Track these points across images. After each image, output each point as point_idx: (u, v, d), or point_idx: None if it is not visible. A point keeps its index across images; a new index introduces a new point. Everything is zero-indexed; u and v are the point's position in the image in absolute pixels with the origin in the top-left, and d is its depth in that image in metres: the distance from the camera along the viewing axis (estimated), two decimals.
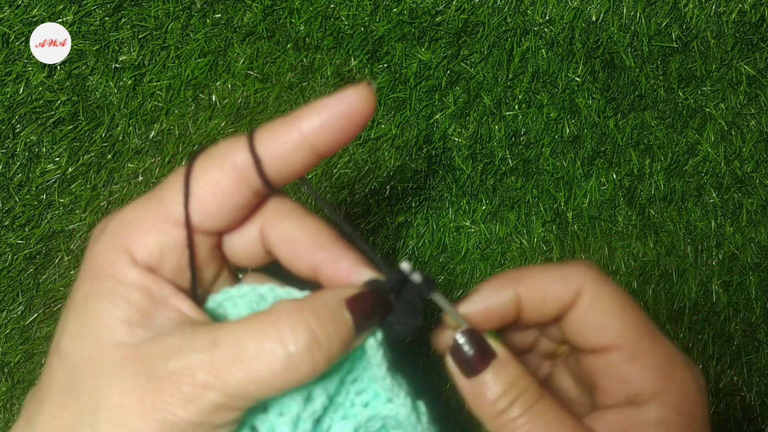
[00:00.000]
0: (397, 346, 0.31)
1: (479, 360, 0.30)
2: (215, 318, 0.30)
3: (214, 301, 0.31)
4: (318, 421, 0.30)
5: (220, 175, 0.28)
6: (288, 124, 0.28)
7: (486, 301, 0.31)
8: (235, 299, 0.30)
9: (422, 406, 0.31)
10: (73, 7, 0.56)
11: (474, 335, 0.30)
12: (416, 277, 0.29)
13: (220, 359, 0.25)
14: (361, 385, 0.31)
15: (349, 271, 0.30)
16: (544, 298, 0.31)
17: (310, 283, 0.31)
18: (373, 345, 0.29)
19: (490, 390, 0.30)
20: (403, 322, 0.29)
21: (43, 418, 0.26)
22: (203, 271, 0.30)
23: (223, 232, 0.31)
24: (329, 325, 0.26)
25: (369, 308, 0.28)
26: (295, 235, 0.30)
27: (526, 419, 0.29)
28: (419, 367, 0.57)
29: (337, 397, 0.30)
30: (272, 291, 0.30)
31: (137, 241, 0.27)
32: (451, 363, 0.31)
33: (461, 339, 0.31)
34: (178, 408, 0.24)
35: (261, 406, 0.28)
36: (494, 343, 0.31)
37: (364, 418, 0.30)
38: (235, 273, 0.34)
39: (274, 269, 0.33)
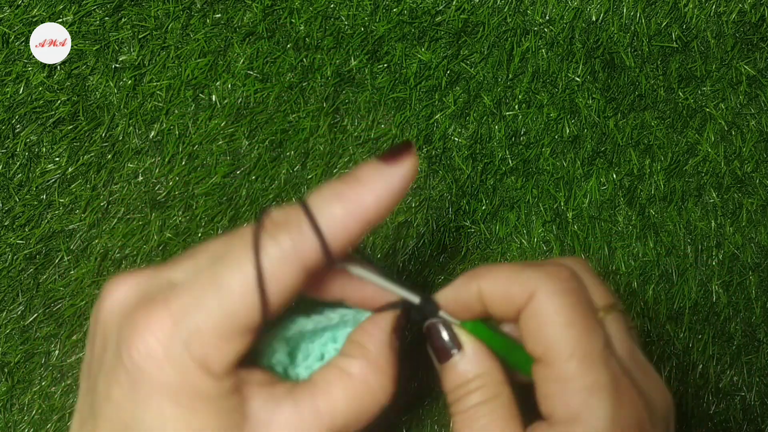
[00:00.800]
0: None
1: (446, 349, 0.32)
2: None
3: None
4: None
5: (286, 271, 0.27)
6: (349, 207, 0.28)
7: (454, 293, 0.32)
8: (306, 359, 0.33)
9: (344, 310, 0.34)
10: (73, 7, 0.56)
11: (445, 326, 0.33)
12: (429, 307, 0.33)
13: (335, 429, 0.28)
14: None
15: (376, 293, 0.33)
16: (500, 297, 0.31)
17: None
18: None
19: (451, 378, 0.32)
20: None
21: None
22: None
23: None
24: (393, 359, 0.31)
25: (403, 329, 0.32)
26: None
27: (472, 412, 0.31)
28: (419, 367, 0.57)
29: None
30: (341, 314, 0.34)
31: (215, 358, 0.26)
32: (428, 347, 0.34)
33: (432, 328, 0.33)
34: None
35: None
36: (464, 336, 0.32)
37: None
38: None
39: None
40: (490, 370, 0.32)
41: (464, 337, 0.32)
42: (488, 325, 0.33)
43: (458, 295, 0.32)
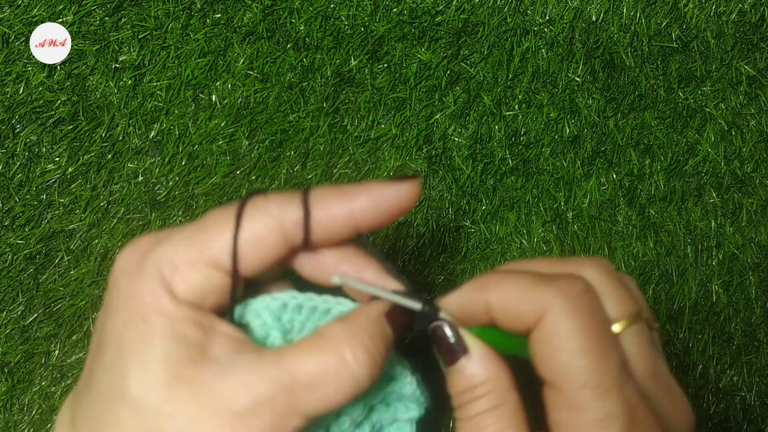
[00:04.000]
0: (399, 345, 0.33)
1: (452, 353, 0.32)
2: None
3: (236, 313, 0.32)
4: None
5: (267, 233, 0.29)
6: (340, 200, 0.30)
7: (460, 302, 0.32)
8: (259, 310, 0.31)
9: (419, 379, 0.34)
10: (73, 7, 0.56)
11: (453, 329, 0.32)
12: (426, 309, 0.32)
13: (295, 388, 0.27)
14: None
15: (375, 280, 0.32)
16: (508, 314, 0.30)
17: (315, 287, 0.33)
18: None
19: (457, 382, 0.31)
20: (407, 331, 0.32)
21: None
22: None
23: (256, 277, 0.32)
24: (380, 342, 0.29)
25: (401, 319, 0.31)
26: (323, 254, 0.32)
27: (477, 420, 0.30)
28: (419, 368, 0.57)
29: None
30: (295, 299, 0.32)
31: (180, 281, 0.28)
32: (434, 349, 0.33)
33: (438, 331, 0.32)
34: None
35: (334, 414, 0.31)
36: (471, 340, 0.31)
37: (370, 396, 0.32)
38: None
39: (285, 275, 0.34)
40: (498, 375, 0.31)
41: (471, 340, 0.31)
42: (502, 330, 0.32)
43: (464, 304, 0.31)
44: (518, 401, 0.31)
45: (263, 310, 0.31)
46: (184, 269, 0.28)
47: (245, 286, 0.32)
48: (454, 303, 0.32)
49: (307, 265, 0.32)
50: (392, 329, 0.30)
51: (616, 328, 0.29)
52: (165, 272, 0.28)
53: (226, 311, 0.30)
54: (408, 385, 0.33)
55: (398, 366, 0.32)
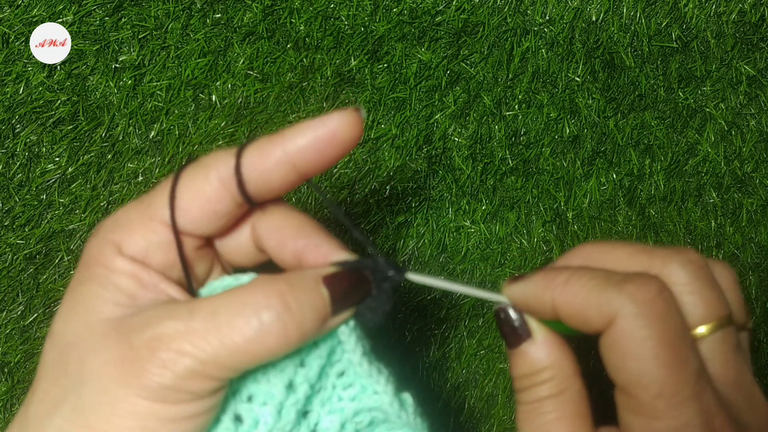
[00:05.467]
0: (372, 335, 0.32)
1: (515, 336, 0.31)
2: None
3: (200, 293, 0.31)
4: (305, 415, 0.30)
5: (204, 185, 0.29)
6: (272, 142, 0.29)
7: (525, 295, 0.30)
8: (218, 290, 0.30)
9: (409, 398, 0.32)
10: (73, 7, 0.56)
11: (517, 311, 0.31)
12: (384, 265, 0.30)
13: (195, 327, 0.25)
14: (348, 379, 0.31)
15: (328, 254, 0.30)
16: (575, 316, 0.28)
17: None
18: (345, 331, 0.30)
19: (518, 365, 0.30)
20: (373, 309, 0.30)
21: (36, 396, 0.27)
22: (192, 269, 0.31)
23: (213, 237, 0.32)
24: (303, 295, 0.27)
25: (346, 286, 0.29)
26: (280, 225, 0.31)
27: (536, 406, 0.29)
28: (419, 368, 0.57)
29: (323, 391, 0.31)
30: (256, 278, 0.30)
31: (125, 237, 0.29)
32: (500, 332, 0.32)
33: (502, 311, 0.31)
34: (155, 374, 0.25)
35: (245, 396, 0.29)
36: (534, 324, 0.30)
37: (350, 411, 0.31)
38: (231, 271, 0.34)
39: (270, 269, 0.33)
40: (560, 361, 0.30)
41: (534, 325, 0.30)
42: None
43: (530, 300, 0.30)
44: (581, 390, 0.30)
45: (220, 289, 0.30)
46: (131, 227, 0.29)
47: (210, 258, 0.32)
48: (520, 296, 0.30)
49: (270, 239, 0.31)
50: (331, 293, 0.28)
51: (702, 330, 0.28)
52: (115, 231, 0.29)
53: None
54: (385, 394, 0.31)
55: (377, 374, 0.30)
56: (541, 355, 0.30)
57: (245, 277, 0.30)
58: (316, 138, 0.29)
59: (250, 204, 0.30)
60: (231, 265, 0.34)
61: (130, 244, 0.29)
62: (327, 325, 0.28)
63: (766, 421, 0.28)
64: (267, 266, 0.33)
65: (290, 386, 0.29)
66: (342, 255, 0.30)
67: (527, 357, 0.30)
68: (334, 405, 0.31)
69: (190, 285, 0.30)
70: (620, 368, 0.27)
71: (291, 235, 0.31)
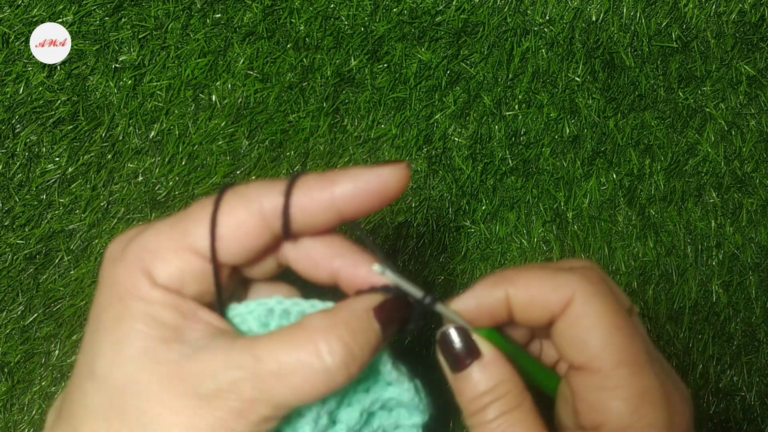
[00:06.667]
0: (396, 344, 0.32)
1: (462, 357, 0.31)
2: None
3: (227, 316, 0.31)
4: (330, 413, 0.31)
5: (246, 218, 0.28)
6: (321, 184, 0.29)
7: (477, 299, 0.31)
8: (243, 315, 0.31)
9: (419, 384, 0.33)
10: (73, 7, 0.56)
11: (461, 333, 0.31)
12: (427, 300, 0.30)
13: (264, 375, 0.26)
14: (362, 373, 0.32)
15: (368, 277, 0.31)
16: (533, 303, 0.29)
17: (316, 287, 0.32)
18: None
19: (469, 388, 0.31)
20: (404, 328, 0.31)
21: None
22: (223, 296, 0.31)
23: (244, 266, 0.32)
24: (361, 337, 0.27)
25: (393, 315, 0.29)
26: (312, 247, 0.31)
27: (496, 424, 0.30)
28: (419, 369, 0.57)
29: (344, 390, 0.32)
30: (281, 304, 0.31)
31: (157, 265, 0.28)
32: (439, 356, 0.32)
33: (446, 336, 0.31)
34: (231, 422, 0.26)
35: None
36: (482, 343, 0.31)
37: (367, 402, 0.32)
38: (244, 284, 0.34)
39: (284, 277, 0.34)
40: (510, 378, 0.30)
41: (482, 343, 0.31)
42: (503, 335, 0.31)
43: (481, 301, 0.30)
44: (533, 404, 0.30)
45: (247, 315, 0.31)
46: (164, 255, 0.28)
47: (236, 280, 0.32)
48: (470, 302, 0.31)
49: (301, 260, 0.31)
50: (381, 325, 0.28)
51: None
52: (145, 258, 0.28)
53: (215, 304, 0.30)
54: (406, 391, 0.32)
55: (395, 371, 0.32)
56: (491, 373, 0.30)
57: (272, 302, 0.31)
58: (366, 188, 0.29)
59: (288, 239, 0.30)
60: (247, 277, 0.34)
61: (162, 273, 0.28)
62: (378, 353, 0.29)
63: (686, 392, 0.31)
64: (282, 275, 0.33)
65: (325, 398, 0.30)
66: (378, 274, 0.30)
67: (474, 378, 0.30)
68: (351, 397, 0.32)
69: (222, 312, 0.30)
70: (581, 345, 0.28)
71: (323, 256, 0.31)
